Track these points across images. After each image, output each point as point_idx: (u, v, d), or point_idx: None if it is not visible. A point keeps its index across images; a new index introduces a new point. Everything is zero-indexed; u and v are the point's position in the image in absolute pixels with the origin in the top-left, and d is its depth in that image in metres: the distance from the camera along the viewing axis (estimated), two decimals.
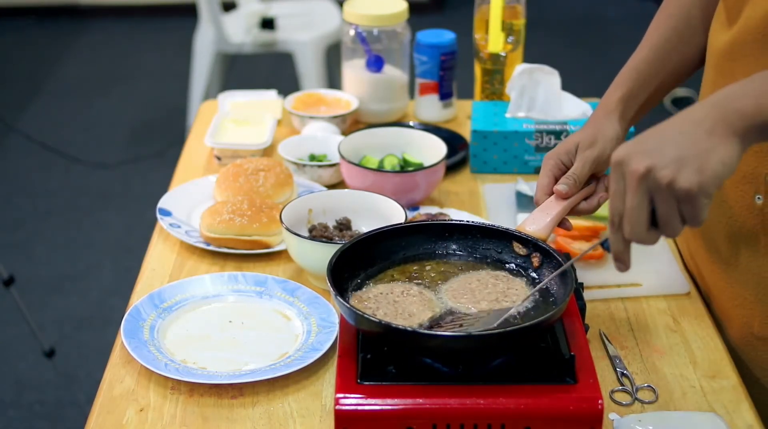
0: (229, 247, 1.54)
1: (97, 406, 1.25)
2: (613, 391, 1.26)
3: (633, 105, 1.39)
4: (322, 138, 1.82)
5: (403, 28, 1.97)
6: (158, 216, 1.62)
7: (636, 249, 1.52)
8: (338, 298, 1.16)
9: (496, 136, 1.77)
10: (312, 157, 1.80)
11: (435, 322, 1.18)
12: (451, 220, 1.43)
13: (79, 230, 3.75)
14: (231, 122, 1.93)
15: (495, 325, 1.15)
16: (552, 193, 1.32)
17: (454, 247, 1.33)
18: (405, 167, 1.72)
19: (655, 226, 1.04)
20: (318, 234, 1.51)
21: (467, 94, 2.12)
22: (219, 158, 1.84)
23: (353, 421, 1.11)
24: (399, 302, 1.22)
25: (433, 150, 1.70)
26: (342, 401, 1.11)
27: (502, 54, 1.90)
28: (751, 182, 1.30)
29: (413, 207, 1.65)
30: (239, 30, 3.90)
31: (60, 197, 3.95)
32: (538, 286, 1.22)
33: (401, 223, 1.35)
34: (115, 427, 1.21)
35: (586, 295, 1.38)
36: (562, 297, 1.18)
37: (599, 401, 1.11)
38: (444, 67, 1.95)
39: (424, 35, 1.95)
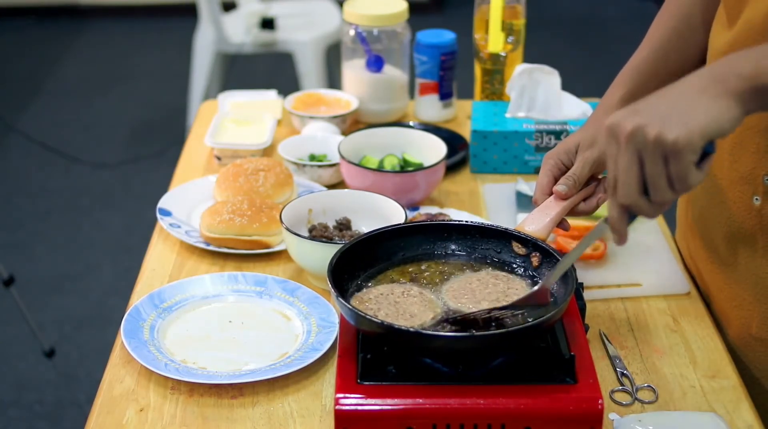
0: (229, 247, 1.54)
1: (97, 406, 1.25)
2: (613, 391, 1.25)
3: None
4: (322, 138, 1.82)
5: (403, 28, 1.97)
6: (158, 216, 1.62)
7: (636, 249, 1.53)
8: (339, 299, 1.16)
9: (496, 136, 1.77)
10: (312, 157, 1.80)
11: (463, 317, 1.18)
12: (451, 221, 1.42)
13: (79, 230, 3.75)
14: (231, 122, 1.93)
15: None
16: (551, 193, 1.31)
17: (453, 247, 1.33)
18: (405, 167, 1.72)
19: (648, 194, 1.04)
20: (318, 234, 1.51)
21: (467, 94, 2.11)
22: (219, 158, 1.84)
23: (353, 421, 1.11)
24: (400, 303, 1.22)
25: (433, 150, 1.70)
26: (342, 401, 1.11)
27: (502, 54, 1.90)
28: (749, 183, 1.30)
29: (413, 207, 1.65)
30: (239, 30, 3.90)
31: (60, 197, 3.95)
32: (537, 286, 1.22)
33: (401, 224, 1.35)
34: (115, 427, 1.21)
35: (586, 295, 1.38)
36: (563, 297, 1.18)
37: (599, 401, 1.11)
38: (444, 67, 1.95)
39: (424, 35, 1.95)
